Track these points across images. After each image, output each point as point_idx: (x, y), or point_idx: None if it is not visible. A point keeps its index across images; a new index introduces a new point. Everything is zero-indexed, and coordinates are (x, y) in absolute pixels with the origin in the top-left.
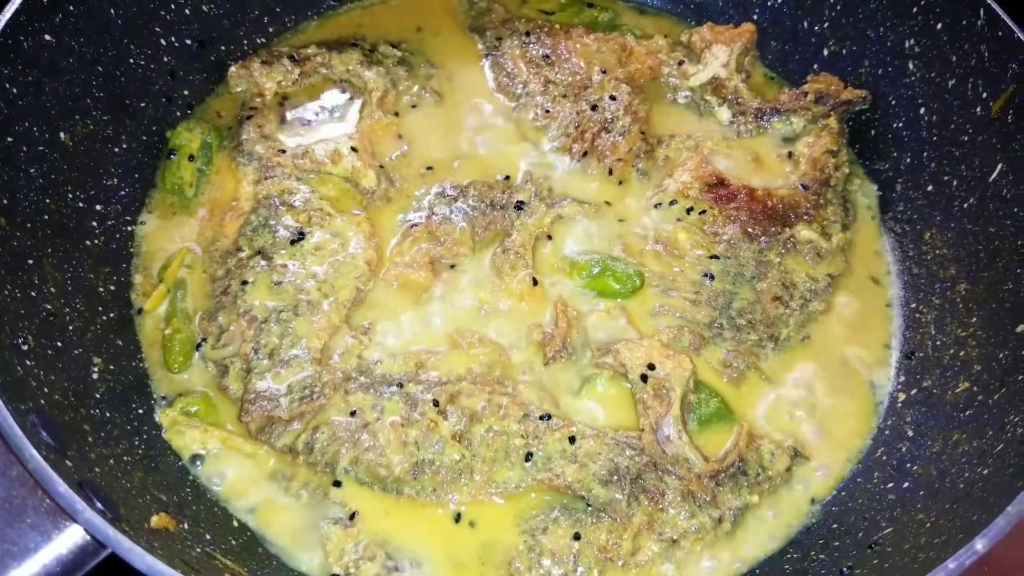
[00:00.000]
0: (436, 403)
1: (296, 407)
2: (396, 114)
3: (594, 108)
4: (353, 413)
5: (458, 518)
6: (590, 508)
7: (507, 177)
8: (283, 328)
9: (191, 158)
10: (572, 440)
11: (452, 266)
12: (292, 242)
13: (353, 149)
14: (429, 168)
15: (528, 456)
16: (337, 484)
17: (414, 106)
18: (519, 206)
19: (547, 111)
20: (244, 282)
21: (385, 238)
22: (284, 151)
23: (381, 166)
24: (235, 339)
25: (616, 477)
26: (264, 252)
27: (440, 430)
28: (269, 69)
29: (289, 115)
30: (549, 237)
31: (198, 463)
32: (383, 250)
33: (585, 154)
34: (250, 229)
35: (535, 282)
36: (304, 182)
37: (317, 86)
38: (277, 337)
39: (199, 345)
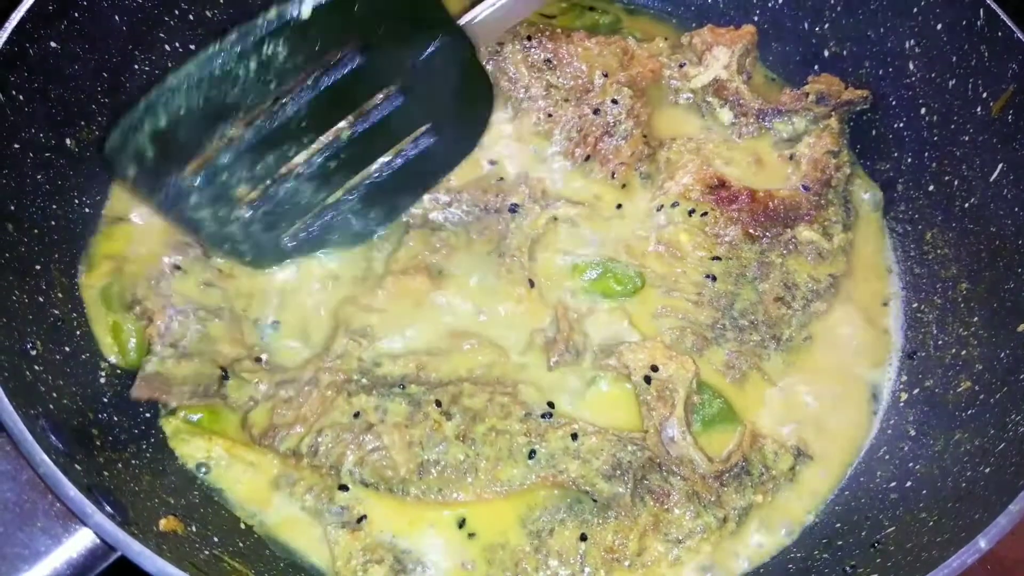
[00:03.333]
0: (439, 403)
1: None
2: None
3: (596, 112)
4: (356, 415)
5: (462, 524)
6: (596, 505)
7: (501, 179)
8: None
9: None
10: (574, 437)
11: (444, 272)
12: None
13: None
14: None
15: (531, 454)
16: (343, 488)
17: None
18: (513, 208)
19: (549, 115)
20: (176, 267)
21: (375, 241)
22: None
23: None
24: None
25: (619, 472)
26: None
27: (444, 430)
28: None
29: None
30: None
31: (203, 469)
32: (379, 256)
33: (588, 158)
34: None
35: (531, 284)
36: None
37: None
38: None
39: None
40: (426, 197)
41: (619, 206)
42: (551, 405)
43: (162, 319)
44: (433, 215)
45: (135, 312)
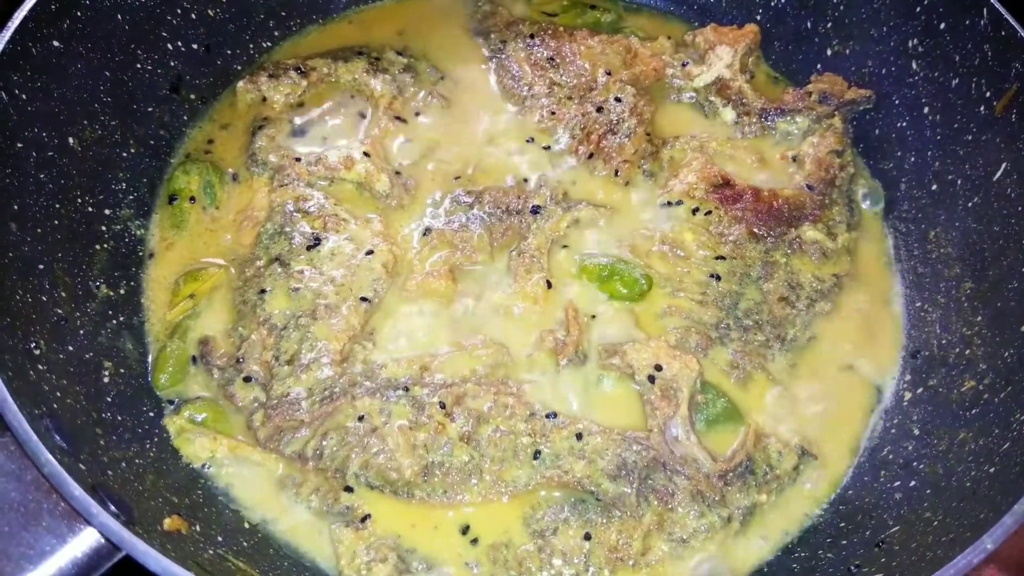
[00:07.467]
0: (443, 405)
1: (317, 409)
2: (404, 120)
3: (600, 110)
4: (361, 418)
5: (466, 524)
6: (600, 505)
7: (525, 180)
8: (302, 333)
9: (192, 200)
10: (579, 437)
11: (466, 272)
12: (308, 248)
13: (365, 154)
14: (441, 173)
15: (536, 454)
16: (348, 490)
17: (420, 112)
18: (535, 210)
19: (553, 113)
20: (262, 291)
21: (397, 239)
22: (298, 159)
23: (397, 172)
24: (255, 348)
25: (624, 471)
26: (281, 259)
27: (448, 432)
28: (276, 82)
29: (300, 124)
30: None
31: (208, 469)
32: (400, 254)
33: (591, 156)
34: (266, 237)
35: (549, 285)
36: (318, 188)
37: (325, 94)
38: (296, 343)
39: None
40: (448, 196)
41: (627, 205)
42: (555, 406)
43: (270, 342)
44: (456, 216)
45: (237, 343)
